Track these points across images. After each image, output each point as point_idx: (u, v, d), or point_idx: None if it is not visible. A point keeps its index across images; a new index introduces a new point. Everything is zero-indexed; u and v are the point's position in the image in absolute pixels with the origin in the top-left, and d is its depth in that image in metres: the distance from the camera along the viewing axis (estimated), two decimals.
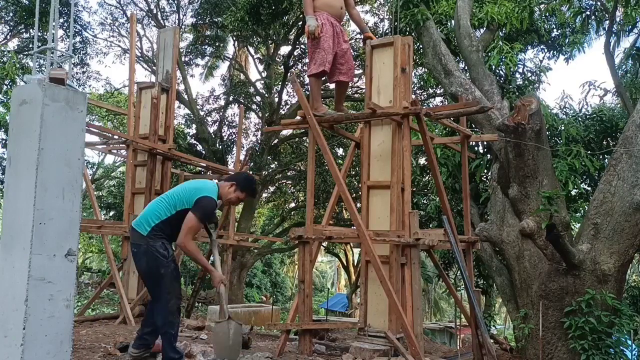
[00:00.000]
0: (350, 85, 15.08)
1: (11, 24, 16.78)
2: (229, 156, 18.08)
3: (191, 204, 4.13)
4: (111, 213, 19.35)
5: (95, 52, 19.24)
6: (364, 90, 6.95)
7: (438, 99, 16.18)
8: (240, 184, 4.40)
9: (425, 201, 12.82)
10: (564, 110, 10.50)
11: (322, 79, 6.18)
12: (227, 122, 19.28)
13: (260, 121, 19.79)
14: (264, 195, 21.22)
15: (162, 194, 4.47)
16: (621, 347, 7.01)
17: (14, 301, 3.00)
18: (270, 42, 18.36)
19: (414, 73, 14.02)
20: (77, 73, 17.72)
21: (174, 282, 4.20)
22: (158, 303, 4.18)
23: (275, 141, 18.69)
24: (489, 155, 9.72)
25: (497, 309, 23.42)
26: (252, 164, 15.82)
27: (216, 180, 4.56)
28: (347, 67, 5.97)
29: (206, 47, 19.00)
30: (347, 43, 6.08)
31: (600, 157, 9.40)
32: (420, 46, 10.32)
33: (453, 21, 10.02)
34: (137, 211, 8.43)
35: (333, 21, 5.82)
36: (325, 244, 14.02)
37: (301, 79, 17.04)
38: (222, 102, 19.48)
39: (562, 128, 9.44)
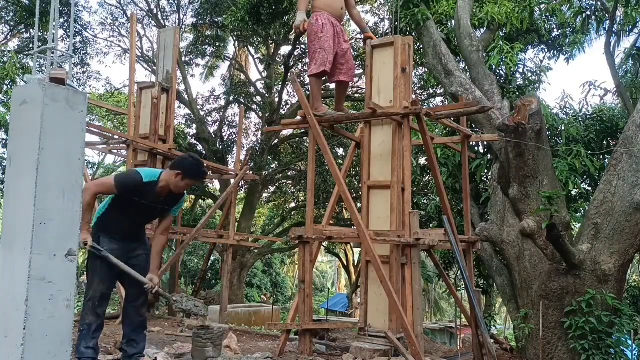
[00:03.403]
0: (351, 85, 15.06)
1: (11, 24, 16.77)
2: (230, 156, 18.09)
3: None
4: None
5: (95, 52, 19.24)
6: (364, 90, 6.96)
7: (438, 99, 16.18)
8: (185, 172, 4.15)
9: (425, 201, 12.81)
10: (565, 110, 10.50)
11: (323, 79, 6.19)
12: (227, 122, 19.28)
13: (260, 121, 19.79)
14: (265, 195, 21.22)
15: None
16: (621, 347, 7.01)
17: (14, 301, 3.00)
18: (270, 42, 18.35)
19: (415, 73, 14.03)
20: (77, 73, 17.71)
21: (95, 277, 4.08)
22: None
23: (276, 141, 18.69)
24: (489, 155, 9.71)
25: (497, 309, 23.41)
26: (252, 164, 15.82)
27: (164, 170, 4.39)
28: (348, 67, 5.97)
29: (206, 47, 18.99)
30: (348, 43, 6.08)
31: (601, 157, 9.39)
32: (421, 46, 10.32)
33: (453, 21, 10.01)
34: None
35: (334, 21, 5.82)
36: (325, 244, 14.02)
37: (301, 79, 17.04)
38: (222, 102, 19.48)
39: (563, 128, 9.44)
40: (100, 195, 4.21)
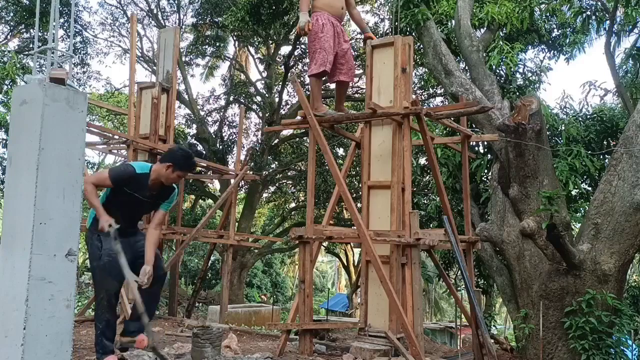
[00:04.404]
0: (351, 85, 15.03)
1: (11, 24, 16.78)
2: (230, 156, 18.09)
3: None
4: None
5: (95, 52, 19.26)
6: (364, 90, 6.96)
7: (438, 99, 16.19)
8: (177, 164, 4.21)
9: (425, 201, 12.81)
10: (565, 110, 10.49)
11: (323, 79, 6.19)
12: (227, 122, 19.29)
13: (260, 121, 19.79)
14: (265, 195, 21.22)
15: None
16: (621, 347, 7.01)
17: (14, 301, 3.00)
18: (270, 42, 18.36)
19: (415, 73, 14.02)
20: (77, 73, 17.72)
21: (105, 275, 4.11)
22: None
23: (276, 141, 18.69)
24: (489, 155, 9.71)
25: (497, 309, 23.40)
26: (252, 164, 15.82)
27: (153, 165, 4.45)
28: (348, 67, 5.98)
29: (206, 47, 18.99)
30: (348, 43, 6.09)
31: (601, 157, 9.38)
32: (421, 46, 10.32)
33: (453, 21, 10.01)
34: None
35: (334, 21, 5.82)
36: (325, 244, 14.02)
37: (301, 79, 17.04)
38: (222, 102, 19.49)
39: (563, 128, 9.43)
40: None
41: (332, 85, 6.97)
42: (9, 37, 17.36)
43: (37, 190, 3.04)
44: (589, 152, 8.96)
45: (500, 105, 8.66)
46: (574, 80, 44.40)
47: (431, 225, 11.27)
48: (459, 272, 7.53)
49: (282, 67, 18.36)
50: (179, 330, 7.24)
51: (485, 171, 9.81)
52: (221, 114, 19.42)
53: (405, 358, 5.07)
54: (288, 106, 18.62)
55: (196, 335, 4.49)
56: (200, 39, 18.28)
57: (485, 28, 10.29)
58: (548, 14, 10.54)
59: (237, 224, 13.58)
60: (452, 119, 7.20)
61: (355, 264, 26.93)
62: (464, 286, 6.46)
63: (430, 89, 15.06)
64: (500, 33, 10.39)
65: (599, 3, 9.29)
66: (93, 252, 4.14)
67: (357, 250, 23.42)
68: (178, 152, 4.38)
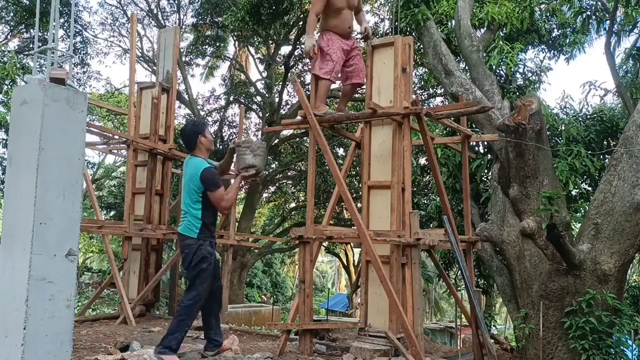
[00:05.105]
0: None
1: (12, 24, 16.78)
2: None
3: (201, 186, 4.39)
4: (112, 213, 19.34)
5: (95, 52, 19.28)
6: (364, 90, 6.95)
7: (438, 99, 16.19)
8: (202, 132, 4.59)
9: (425, 201, 12.81)
10: (565, 110, 10.49)
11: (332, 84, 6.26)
12: (227, 122, 19.30)
13: (260, 121, 19.80)
14: (265, 195, 21.22)
15: (182, 196, 4.64)
16: (622, 347, 7.01)
17: (14, 301, 3.00)
18: (270, 42, 18.36)
19: (415, 73, 14.02)
20: (77, 73, 17.73)
21: (210, 279, 4.43)
22: (189, 293, 4.41)
23: (276, 141, 18.69)
24: (489, 155, 9.71)
25: (497, 309, 23.39)
26: None
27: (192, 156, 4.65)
28: (359, 69, 6.04)
29: (207, 47, 19.00)
30: (358, 49, 6.11)
31: (601, 157, 9.39)
32: (421, 46, 10.32)
33: (454, 21, 10.01)
34: (138, 211, 8.44)
35: (341, 40, 5.88)
36: (325, 244, 14.02)
37: (301, 79, 17.04)
38: (222, 102, 19.50)
39: (563, 128, 9.43)
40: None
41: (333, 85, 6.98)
42: (9, 37, 17.36)
43: (37, 190, 3.04)
44: (589, 152, 8.96)
45: (500, 105, 8.66)
46: (574, 80, 44.43)
47: (431, 225, 11.27)
48: (459, 272, 7.53)
49: (282, 67, 18.37)
50: None
51: (485, 171, 9.81)
52: (221, 114, 19.44)
53: (405, 358, 5.07)
54: (288, 106, 18.63)
55: (238, 145, 4.76)
56: (200, 39, 18.29)
57: (485, 28, 10.29)
58: (548, 14, 10.55)
59: (237, 224, 13.58)
60: (452, 119, 7.19)
61: (355, 264, 26.94)
62: (464, 286, 6.46)
63: (430, 89, 15.07)
64: (500, 33, 10.39)
65: (599, 3, 9.29)
66: (204, 256, 4.38)
67: (357, 250, 23.44)
68: (189, 127, 4.78)
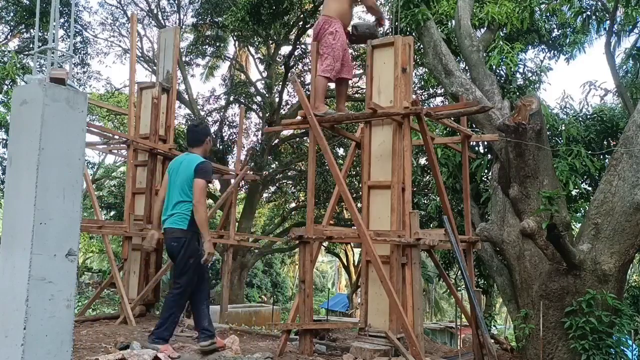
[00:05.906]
0: (351, 85, 15.04)
1: (12, 24, 16.77)
2: (230, 156, 18.10)
3: (193, 174, 4.70)
4: (112, 213, 19.35)
5: (95, 52, 19.27)
6: (364, 90, 6.96)
7: (439, 99, 16.19)
8: (210, 135, 5.16)
9: (425, 201, 12.81)
10: (565, 110, 10.49)
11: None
12: (227, 122, 19.29)
13: (260, 121, 19.80)
14: (265, 195, 21.22)
15: (170, 193, 4.86)
16: (622, 347, 7.00)
17: (14, 301, 3.00)
18: (270, 42, 18.35)
19: (415, 73, 14.01)
20: (77, 73, 17.73)
21: (197, 271, 4.71)
22: (177, 284, 4.66)
23: (276, 141, 18.70)
24: (489, 155, 9.71)
25: (497, 309, 23.41)
26: (252, 164, 15.82)
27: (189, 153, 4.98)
28: (348, 65, 6.16)
29: (207, 47, 19.00)
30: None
31: (601, 157, 9.38)
32: (421, 46, 10.31)
33: (454, 21, 10.01)
34: (138, 211, 8.44)
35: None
36: (325, 244, 14.02)
37: (301, 79, 17.05)
38: (222, 102, 19.49)
39: (563, 128, 9.43)
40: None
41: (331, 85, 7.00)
42: (9, 37, 17.36)
43: (37, 190, 3.04)
44: (589, 152, 8.96)
45: (501, 105, 8.65)
46: (574, 80, 44.39)
47: (431, 225, 11.27)
48: (459, 272, 7.53)
49: (282, 67, 18.37)
50: (179, 330, 7.23)
51: (485, 171, 9.81)
52: (221, 114, 19.43)
53: (405, 358, 5.07)
54: (288, 106, 18.63)
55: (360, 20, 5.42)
56: (200, 39, 18.28)
57: (485, 28, 10.29)
58: (548, 14, 10.54)
59: (237, 224, 13.57)
60: (452, 119, 7.19)
61: (355, 264, 26.93)
62: (464, 286, 6.46)
63: (430, 89, 15.06)
64: (501, 33, 10.39)
65: (599, 3, 9.29)
66: (194, 248, 4.68)
67: (357, 250, 23.42)
68: (194, 129, 5.19)
